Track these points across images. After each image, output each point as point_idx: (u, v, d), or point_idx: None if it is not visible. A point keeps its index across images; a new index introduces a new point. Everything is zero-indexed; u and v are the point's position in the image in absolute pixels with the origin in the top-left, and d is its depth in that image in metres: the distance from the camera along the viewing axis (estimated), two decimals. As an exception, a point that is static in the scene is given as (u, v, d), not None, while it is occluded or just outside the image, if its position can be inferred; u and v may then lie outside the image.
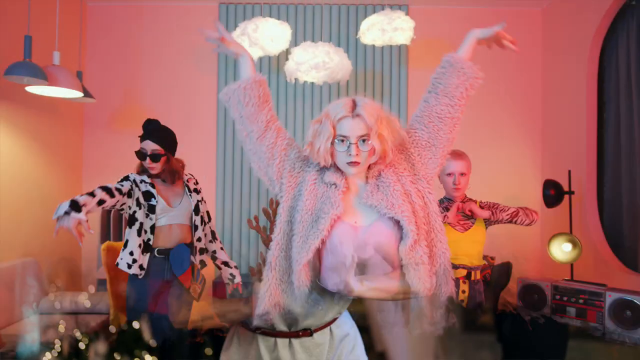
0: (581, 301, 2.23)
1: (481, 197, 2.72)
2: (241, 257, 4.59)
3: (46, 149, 3.97)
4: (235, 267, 2.78)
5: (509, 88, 4.64)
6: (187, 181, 2.62)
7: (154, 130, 2.51)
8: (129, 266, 2.43)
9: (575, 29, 4.05)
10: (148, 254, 2.46)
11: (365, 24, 3.58)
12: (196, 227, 2.58)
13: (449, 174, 2.52)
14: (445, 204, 2.55)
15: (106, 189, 2.24)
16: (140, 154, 2.48)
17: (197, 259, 2.62)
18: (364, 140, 1.44)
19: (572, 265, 3.60)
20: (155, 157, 2.45)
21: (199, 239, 2.62)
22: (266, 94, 1.57)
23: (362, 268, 1.41)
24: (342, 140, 1.45)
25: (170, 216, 2.51)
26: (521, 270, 3.84)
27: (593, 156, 3.90)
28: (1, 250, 3.43)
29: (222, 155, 4.60)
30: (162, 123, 2.61)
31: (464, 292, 2.46)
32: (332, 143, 1.47)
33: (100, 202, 2.17)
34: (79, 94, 3.25)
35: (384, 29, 3.44)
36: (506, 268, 3.56)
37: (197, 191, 2.63)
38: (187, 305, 2.54)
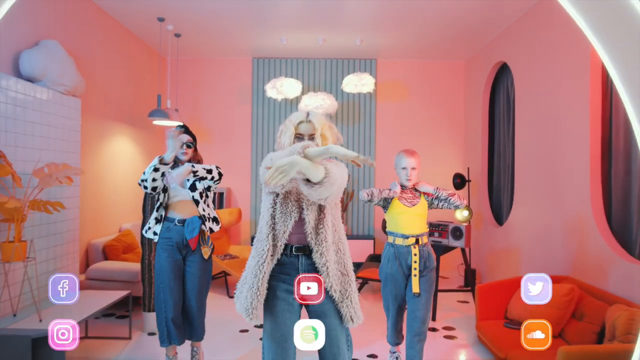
0: (440, 228, 4.57)
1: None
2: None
3: (145, 153, 6.39)
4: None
5: (443, 115, 7.01)
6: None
7: (187, 129, 3.19)
8: (146, 231, 3.10)
9: (480, 77, 6.36)
10: (160, 225, 3.06)
11: (344, 81, 5.92)
12: (197, 202, 3.05)
13: (404, 168, 2.94)
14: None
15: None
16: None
17: (207, 226, 3.08)
18: (313, 138, 1.92)
19: (469, 222, 6.00)
20: (189, 145, 3.12)
21: (203, 210, 3.08)
22: None
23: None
24: (299, 138, 1.93)
25: (182, 194, 3.07)
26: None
27: (485, 159, 6.26)
28: (129, 215, 5.85)
29: (255, 154, 7.01)
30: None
31: (415, 254, 2.89)
32: (293, 140, 1.92)
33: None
34: (180, 123, 5.63)
35: (356, 84, 5.81)
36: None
37: (195, 172, 2.94)
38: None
